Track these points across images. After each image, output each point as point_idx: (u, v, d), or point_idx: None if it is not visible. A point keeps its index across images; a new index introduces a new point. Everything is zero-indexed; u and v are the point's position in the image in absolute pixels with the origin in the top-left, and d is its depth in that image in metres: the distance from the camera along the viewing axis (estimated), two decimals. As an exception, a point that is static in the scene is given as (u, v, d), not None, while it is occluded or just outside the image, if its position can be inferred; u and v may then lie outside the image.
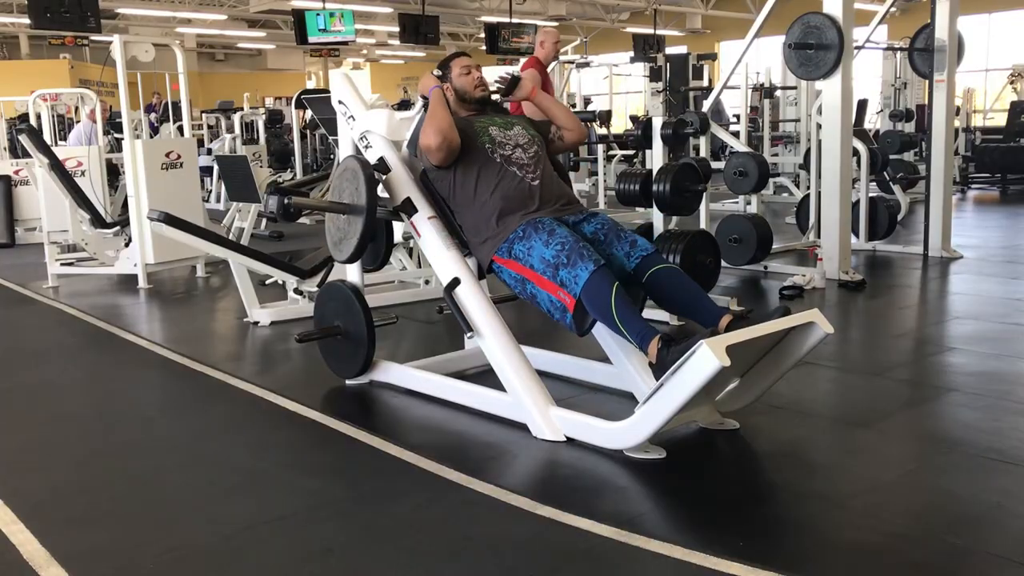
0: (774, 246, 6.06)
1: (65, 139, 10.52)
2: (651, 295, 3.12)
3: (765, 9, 6.19)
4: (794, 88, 11.09)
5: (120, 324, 5.05)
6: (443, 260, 3.28)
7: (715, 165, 6.83)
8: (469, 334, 3.17)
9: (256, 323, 4.87)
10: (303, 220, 8.43)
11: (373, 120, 3.59)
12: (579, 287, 2.88)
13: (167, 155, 6.24)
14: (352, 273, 3.69)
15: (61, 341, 4.93)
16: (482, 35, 17.86)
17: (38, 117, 9.59)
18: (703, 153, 6.22)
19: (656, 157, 4.53)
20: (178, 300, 5.87)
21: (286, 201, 3.38)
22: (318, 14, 14.31)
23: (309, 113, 10.30)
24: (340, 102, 3.70)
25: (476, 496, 2.56)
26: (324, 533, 2.38)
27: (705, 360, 2.45)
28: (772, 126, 10.61)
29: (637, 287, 3.10)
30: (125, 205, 6.74)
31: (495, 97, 3.68)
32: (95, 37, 11.89)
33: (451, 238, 3.32)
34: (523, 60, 6.90)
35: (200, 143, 11.56)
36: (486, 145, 3.30)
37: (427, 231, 3.33)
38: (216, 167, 9.50)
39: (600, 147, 10.42)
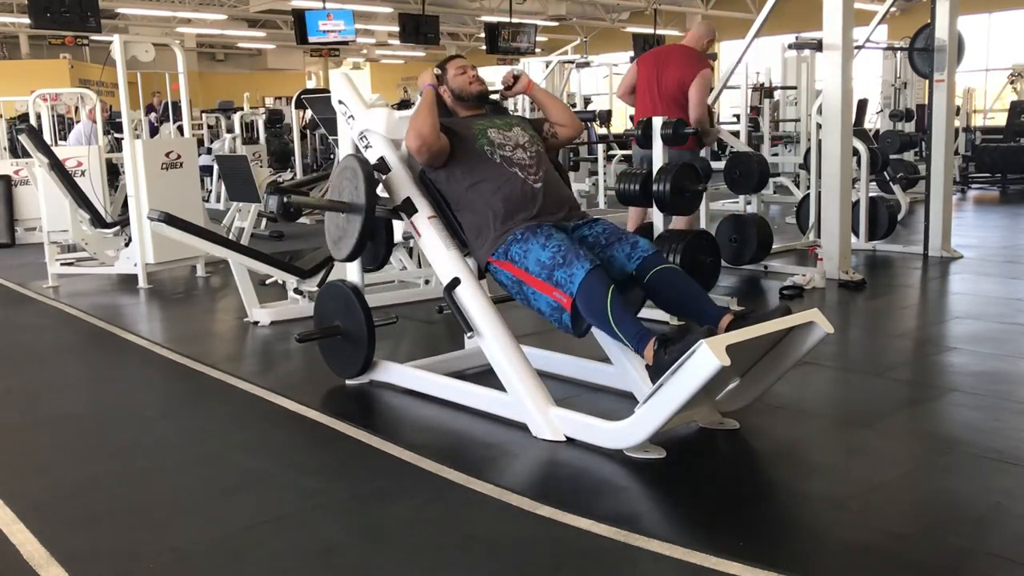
0: (774, 246, 6.07)
1: (65, 139, 10.52)
2: (652, 296, 3.12)
3: (765, 9, 6.19)
4: (794, 88, 11.10)
5: (120, 324, 5.05)
6: (443, 260, 3.28)
7: (715, 165, 6.84)
8: (469, 334, 3.17)
9: (256, 323, 4.87)
10: (303, 220, 8.46)
11: (372, 119, 3.59)
12: (575, 286, 2.88)
13: (167, 155, 6.25)
14: (352, 273, 3.69)
15: (61, 341, 4.93)
16: (482, 35, 17.85)
17: (38, 117, 9.58)
18: (703, 153, 6.22)
19: (656, 157, 4.53)
20: (178, 300, 5.87)
21: (285, 200, 3.38)
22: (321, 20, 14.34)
23: (309, 113, 10.31)
24: (340, 102, 3.70)
25: (476, 496, 2.56)
26: (324, 533, 2.38)
27: (705, 360, 2.45)
28: (772, 126, 10.61)
29: (638, 288, 3.10)
30: (125, 205, 6.74)
31: (494, 96, 3.69)
32: (95, 37, 11.87)
33: (451, 238, 3.32)
34: (522, 62, 6.86)
35: (200, 143, 11.56)
36: (485, 147, 3.29)
37: (427, 231, 3.33)
38: (216, 167, 9.51)
39: (600, 147, 10.43)
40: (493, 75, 19.55)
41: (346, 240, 3.39)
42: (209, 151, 11.90)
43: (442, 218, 3.36)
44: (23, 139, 6.81)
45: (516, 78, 3.65)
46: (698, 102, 5.20)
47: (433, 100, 3.37)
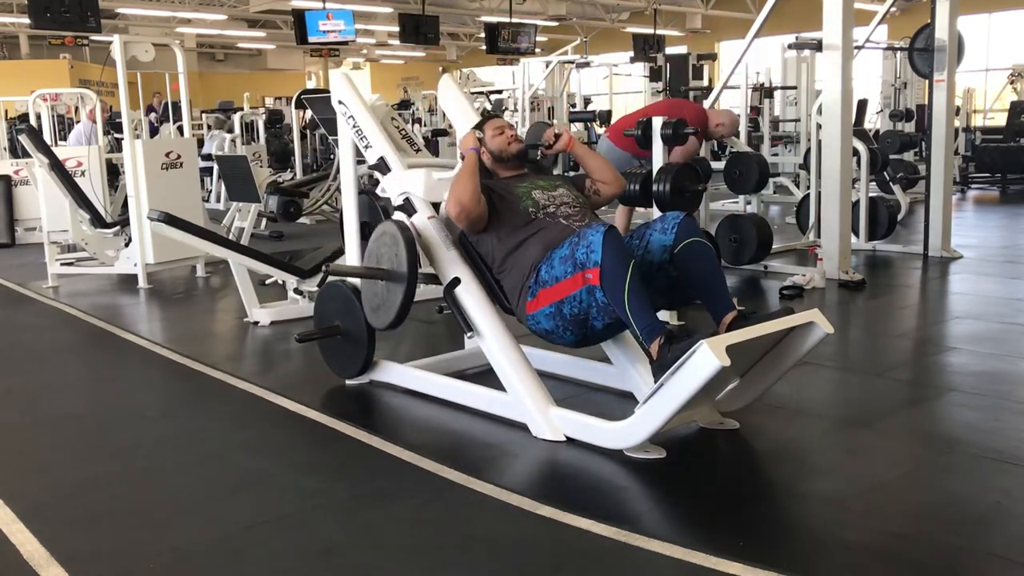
0: (774, 246, 6.07)
1: (65, 139, 10.53)
2: (680, 266, 2.97)
3: (765, 9, 6.19)
4: (794, 88, 11.09)
5: (120, 324, 5.05)
6: (443, 260, 3.28)
7: (715, 165, 6.84)
8: (469, 334, 3.17)
9: (256, 323, 4.87)
10: (303, 220, 8.47)
11: (411, 181, 3.50)
12: (597, 251, 2.78)
13: (167, 155, 6.25)
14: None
15: (61, 341, 4.93)
16: (482, 35, 17.85)
17: (38, 117, 9.59)
18: (703, 153, 6.22)
19: (656, 157, 4.53)
20: (178, 300, 5.87)
21: (324, 268, 3.33)
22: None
23: (309, 113, 10.30)
24: (340, 102, 3.70)
25: (476, 496, 2.56)
26: (324, 533, 2.38)
27: (705, 360, 2.45)
28: (772, 126, 10.61)
29: (669, 265, 2.97)
30: (125, 205, 6.74)
31: (534, 153, 3.59)
32: (95, 37, 11.87)
33: (489, 300, 3.22)
34: (522, 62, 6.79)
35: (200, 143, 11.55)
36: (529, 209, 3.21)
37: (427, 230, 3.33)
38: (216, 167, 9.51)
39: (599, 142, 10.42)
40: (493, 75, 19.57)
41: (387, 309, 3.29)
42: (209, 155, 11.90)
43: (481, 280, 3.26)
44: (23, 139, 6.82)
45: (557, 136, 3.55)
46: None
47: (475, 166, 3.28)
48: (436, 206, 3.44)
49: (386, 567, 2.19)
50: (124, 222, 6.52)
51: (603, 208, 3.71)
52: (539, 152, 3.62)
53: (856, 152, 6.14)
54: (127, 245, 6.38)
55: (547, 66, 13.08)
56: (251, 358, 4.44)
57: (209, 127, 12.31)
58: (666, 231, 2.97)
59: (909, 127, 10.58)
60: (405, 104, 14.24)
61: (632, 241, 3.06)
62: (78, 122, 10.54)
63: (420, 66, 27.55)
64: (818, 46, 5.90)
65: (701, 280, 2.97)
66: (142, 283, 6.10)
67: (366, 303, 3.45)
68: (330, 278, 4.50)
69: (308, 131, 13.07)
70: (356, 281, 3.54)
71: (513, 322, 3.24)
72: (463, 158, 3.37)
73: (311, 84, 26.17)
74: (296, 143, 11.73)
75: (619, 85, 16.41)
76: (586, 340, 3.09)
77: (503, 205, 3.24)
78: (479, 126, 3.53)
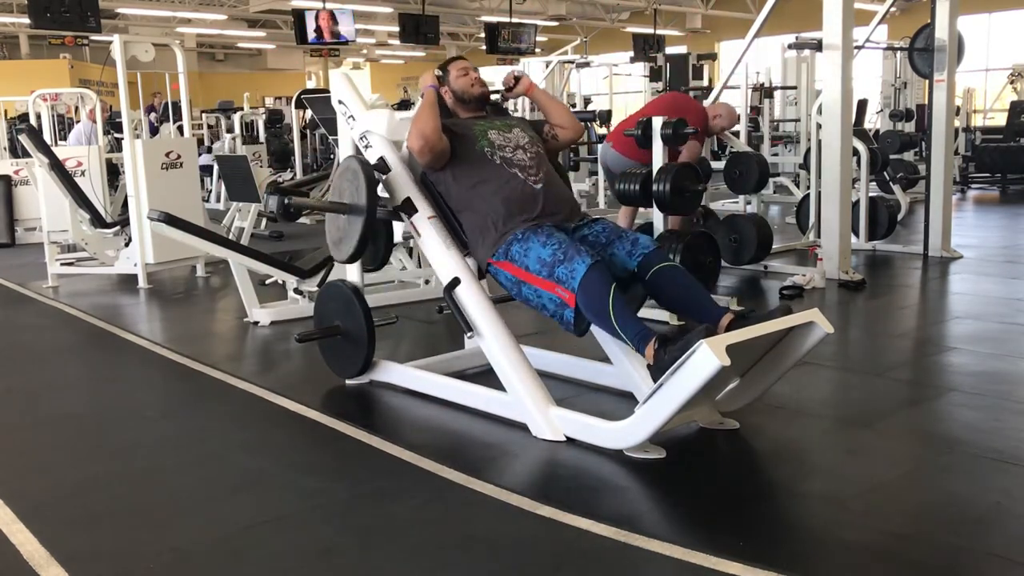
0: (774, 246, 6.06)
1: (65, 139, 10.52)
2: (653, 294, 3.11)
3: (765, 9, 6.20)
4: (794, 88, 11.09)
5: (120, 324, 5.05)
6: (443, 260, 3.28)
7: (715, 165, 6.83)
8: (469, 334, 3.17)
9: (256, 323, 4.87)
10: (303, 220, 8.45)
11: (373, 120, 3.58)
12: (576, 281, 2.87)
13: (167, 155, 6.25)
14: (352, 273, 3.70)
15: (61, 341, 4.93)
16: (482, 35, 17.85)
17: (38, 117, 9.58)
18: (703, 152, 6.22)
19: (656, 157, 4.53)
20: (178, 300, 5.87)
21: (286, 201, 3.38)
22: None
23: (309, 113, 10.31)
24: (340, 102, 3.70)
25: (476, 496, 2.56)
26: (324, 533, 2.38)
27: (705, 360, 2.45)
28: (772, 126, 10.61)
29: (639, 286, 3.10)
30: (125, 205, 6.74)
31: (495, 97, 3.68)
32: (95, 37, 11.86)
33: (451, 238, 3.32)
34: (522, 62, 6.79)
35: (200, 143, 11.57)
36: (485, 148, 3.28)
37: (427, 231, 3.33)
38: (216, 167, 9.51)
39: (600, 147, 10.42)
40: (493, 75, 19.56)
41: (347, 241, 3.38)
42: (209, 150, 11.89)
43: (442, 219, 3.36)
44: (23, 139, 6.81)
45: (517, 79, 3.64)
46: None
47: (435, 101, 3.36)
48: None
49: (386, 567, 2.19)
50: (124, 222, 6.52)
51: (605, 208, 3.71)
52: (500, 96, 3.69)
53: (856, 152, 6.14)
54: (127, 245, 6.38)
55: (547, 66, 13.07)
56: (251, 358, 4.43)
57: (211, 126, 12.33)
58: (632, 256, 3.08)
59: (909, 127, 10.58)
60: (405, 104, 14.21)
61: (598, 237, 3.16)
62: (78, 122, 10.53)
63: (420, 66, 27.48)
64: (818, 46, 5.90)
65: (682, 301, 3.09)
66: (142, 283, 6.10)
67: (329, 237, 3.55)
68: (329, 278, 4.51)
69: (308, 131, 13.08)
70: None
71: (513, 322, 3.24)
72: (423, 96, 3.41)
73: (311, 84, 26.18)
74: (296, 143, 11.73)
75: (619, 85, 16.38)
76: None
77: (459, 144, 3.30)
78: (442, 66, 3.58)
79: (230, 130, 11.59)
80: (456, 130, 3.35)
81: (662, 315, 4.37)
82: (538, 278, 3.00)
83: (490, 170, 3.24)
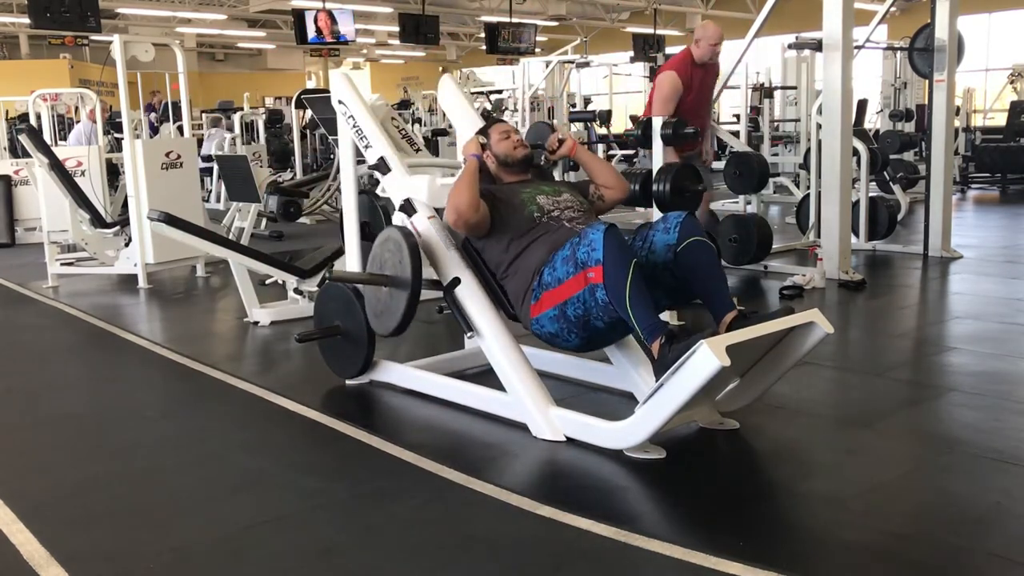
0: (774, 246, 6.07)
1: (65, 139, 10.52)
2: (683, 267, 2.96)
3: (765, 9, 6.19)
4: (794, 88, 11.09)
5: (120, 324, 5.05)
6: (443, 260, 3.28)
7: (715, 165, 6.83)
8: (469, 334, 3.17)
9: (256, 323, 4.87)
10: (303, 220, 8.46)
11: (415, 187, 3.48)
12: (599, 250, 2.78)
13: (167, 155, 6.25)
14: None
15: (61, 341, 4.93)
16: (482, 35, 17.85)
17: (38, 117, 9.59)
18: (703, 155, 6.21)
19: (656, 157, 4.53)
20: (178, 300, 5.87)
21: (327, 276, 3.29)
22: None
23: (309, 113, 10.30)
24: (340, 102, 3.70)
25: (476, 496, 2.56)
26: (324, 533, 2.38)
27: (705, 360, 2.45)
28: (772, 126, 10.61)
29: (672, 265, 2.96)
30: (125, 205, 6.74)
31: (540, 157, 3.58)
32: (95, 37, 11.87)
33: (492, 305, 3.20)
34: (522, 62, 6.81)
35: (200, 143, 11.55)
36: (535, 213, 3.20)
37: (427, 231, 3.33)
38: (216, 167, 9.51)
39: (600, 147, 10.42)
40: (493, 75, 19.56)
41: (389, 315, 3.26)
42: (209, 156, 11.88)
43: (484, 284, 3.25)
44: (23, 139, 6.81)
45: (561, 142, 3.53)
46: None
47: (475, 173, 3.24)
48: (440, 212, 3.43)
49: (386, 567, 2.19)
50: (124, 222, 6.52)
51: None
52: (543, 157, 3.61)
53: (856, 152, 6.14)
54: (127, 245, 6.38)
55: (547, 66, 13.06)
56: (251, 358, 4.43)
57: (202, 126, 12.33)
58: (668, 230, 2.96)
59: (909, 127, 10.58)
60: (405, 104, 14.24)
61: (635, 242, 3.04)
62: (78, 122, 10.54)
63: (420, 66, 27.54)
64: (818, 46, 5.89)
65: (702, 279, 2.96)
66: (142, 283, 6.10)
67: (369, 308, 3.43)
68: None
69: (308, 131, 13.07)
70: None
71: (513, 322, 3.24)
72: (464, 162, 3.35)
73: (311, 84, 26.17)
74: (296, 143, 11.73)
75: (619, 85, 16.38)
76: (591, 343, 3.08)
77: (508, 211, 3.22)
78: (483, 131, 3.50)
79: (229, 129, 11.59)
80: (501, 196, 3.27)
81: (662, 315, 4.36)
82: (570, 280, 2.91)
83: (540, 229, 3.16)
